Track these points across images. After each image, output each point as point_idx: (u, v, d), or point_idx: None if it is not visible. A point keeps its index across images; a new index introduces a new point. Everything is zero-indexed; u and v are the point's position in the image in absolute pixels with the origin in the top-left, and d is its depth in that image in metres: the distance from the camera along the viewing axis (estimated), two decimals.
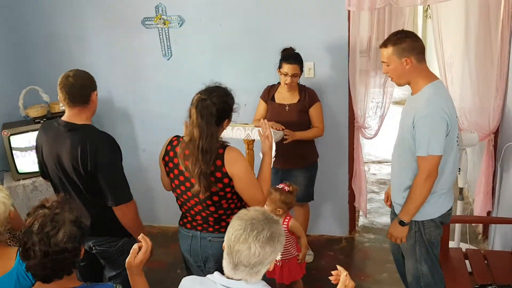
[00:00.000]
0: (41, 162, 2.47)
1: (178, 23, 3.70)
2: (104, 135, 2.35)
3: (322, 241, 3.98)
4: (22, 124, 3.67)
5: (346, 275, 1.69)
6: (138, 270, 1.77)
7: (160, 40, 3.78)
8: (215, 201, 2.18)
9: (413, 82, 2.36)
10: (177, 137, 2.29)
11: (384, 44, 2.36)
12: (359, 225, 4.20)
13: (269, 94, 3.44)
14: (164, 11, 3.70)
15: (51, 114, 3.78)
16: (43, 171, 2.50)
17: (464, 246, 3.34)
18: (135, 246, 1.78)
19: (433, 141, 2.23)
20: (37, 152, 2.49)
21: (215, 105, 2.11)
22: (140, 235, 1.82)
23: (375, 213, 4.40)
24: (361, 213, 4.29)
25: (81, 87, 2.31)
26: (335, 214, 4.02)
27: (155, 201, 4.23)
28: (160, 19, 3.71)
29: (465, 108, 3.48)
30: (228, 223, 2.17)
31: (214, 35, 3.70)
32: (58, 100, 3.62)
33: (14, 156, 3.58)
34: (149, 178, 4.06)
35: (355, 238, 4.00)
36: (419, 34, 8.83)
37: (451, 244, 3.26)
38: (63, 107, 3.63)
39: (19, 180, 3.60)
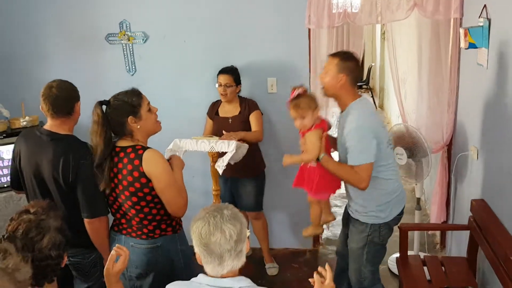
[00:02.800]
0: (17, 170, 2.43)
1: (143, 39, 3.74)
2: (86, 146, 2.34)
3: (287, 254, 4.03)
4: None
5: (325, 278, 1.70)
6: (116, 279, 1.77)
7: (124, 55, 3.80)
8: (134, 202, 2.20)
9: (340, 98, 2.52)
10: None
11: (334, 55, 2.53)
12: (322, 237, 4.27)
13: (213, 109, 3.55)
14: (128, 27, 3.73)
15: (11, 130, 3.70)
16: (17, 181, 2.46)
17: (423, 255, 3.45)
18: (112, 252, 1.78)
19: (363, 151, 2.38)
20: (13, 160, 2.45)
21: (110, 103, 2.23)
22: (117, 245, 1.82)
23: (338, 226, 4.48)
24: (324, 226, 4.36)
25: (65, 99, 2.32)
26: (298, 228, 4.06)
27: None
28: (124, 35, 3.73)
29: (419, 122, 3.65)
30: (150, 230, 2.25)
31: (178, 52, 3.75)
32: (18, 115, 3.62)
33: None
34: None
35: (319, 251, 4.07)
36: (377, 54, 9.19)
37: (411, 254, 3.37)
38: (24, 123, 3.62)
39: None
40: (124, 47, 3.77)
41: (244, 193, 3.57)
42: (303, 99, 2.53)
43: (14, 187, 2.55)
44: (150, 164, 2.15)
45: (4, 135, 3.57)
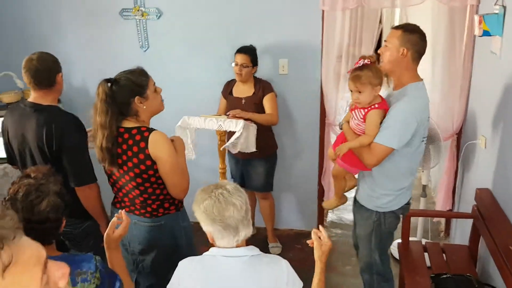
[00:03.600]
0: (7, 145, 2.48)
1: (156, 15, 3.75)
2: (70, 116, 2.38)
3: (291, 234, 4.07)
4: None
5: (321, 236, 1.81)
6: (116, 245, 1.82)
7: (138, 31, 3.82)
8: (139, 183, 2.21)
9: (399, 75, 2.37)
10: None
11: (397, 27, 2.39)
12: (327, 220, 4.31)
13: (227, 88, 3.54)
14: (142, 3, 3.74)
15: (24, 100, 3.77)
16: (10, 156, 2.51)
17: (424, 242, 3.47)
18: (114, 219, 1.82)
19: (395, 135, 2.28)
20: (3, 135, 2.49)
21: (117, 82, 2.16)
22: (120, 211, 1.87)
23: (344, 210, 4.50)
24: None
25: (45, 70, 2.34)
26: (304, 209, 4.12)
27: None
28: (138, 10, 3.75)
29: (431, 109, 3.62)
30: (154, 209, 2.27)
31: (191, 29, 3.76)
32: None
33: None
34: None
35: None
36: None
37: (414, 240, 3.39)
38: None
39: None
40: (138, 22, 3.79)
41: (254, 173, 3.59)
42: (366, 72, 2.26)
43: (9, 162, 2.59)
44: (156, 147, 2.14)
45: None
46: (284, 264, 1.71)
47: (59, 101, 2.89)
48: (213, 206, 1.62)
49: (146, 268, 2.38)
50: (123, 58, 3.90)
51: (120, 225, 1.84)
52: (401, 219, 2.61)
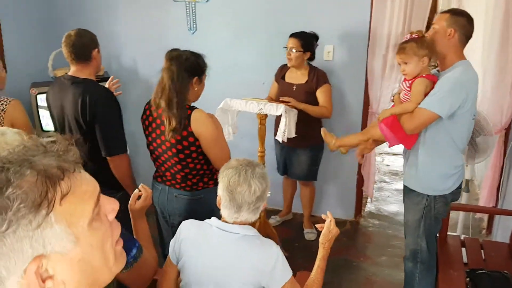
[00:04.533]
0: (52, 116, 2.63)
1: None
2: (103, 89, 2.50)
3: None
4: (49, 84, 3.82)
5: (330, 221, 1.84)
6: (140, 214, 1.89)
7: (187, 14, 3.89)
8: (181, 158, 2.30)
9: (446, 56, 2.35)
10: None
11: (445, 11, 2.39)
12: (365, 210, 4.28)
13: (280, 72, 3.53)
14: None
15: None
16: (55, 126, 2.66)
17: (463, 237, 3.39)
18: (136, 191, 1.90)
19: (441, 100, 2.25)
20: (47, 107, 2.65)
21: (188, 59, 2.26)
22: (141, 184, 1.94)
23: (383, 201, 4.47)
24: (369, 199, 4.37)
25: (82, 46, 2.45)
26: (343, 198, 4.10)
27: None
28: None
29: (481, 103, 3.50)
30: (194, 183, 2.37)
31: (238, 13, 3.79)
32: None
33: (40, 114, 3.77)
34: None
35: (360, 222, 4.08)
36: None
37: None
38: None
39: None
40: (187, 5, 3.87)
41: (297, 162, 3.59)
42: (411, 44, 2.30)
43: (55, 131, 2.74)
44: (198, 124, 2.24)
45: None
46: (275, 250, 1.68)
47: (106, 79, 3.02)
48: (232, 176, 1.68)
49: None
50: (171, 40, 4.00)
51: (141, 197, 1.90)
52: (449, 205, 2.54)
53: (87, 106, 2.38)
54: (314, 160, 3.62)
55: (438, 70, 2.47)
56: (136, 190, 1.90)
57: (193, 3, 3.85)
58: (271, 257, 1.66)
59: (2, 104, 2.50)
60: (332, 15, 3.58)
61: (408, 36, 2.36)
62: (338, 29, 3.60)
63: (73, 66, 2.49)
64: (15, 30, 3.85)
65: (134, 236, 1.87)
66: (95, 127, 2.42)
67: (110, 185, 2.50)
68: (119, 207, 0.86)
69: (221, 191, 1.72)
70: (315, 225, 1.88)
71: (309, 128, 3.35)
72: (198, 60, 2.30)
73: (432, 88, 2.32)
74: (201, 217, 2.40)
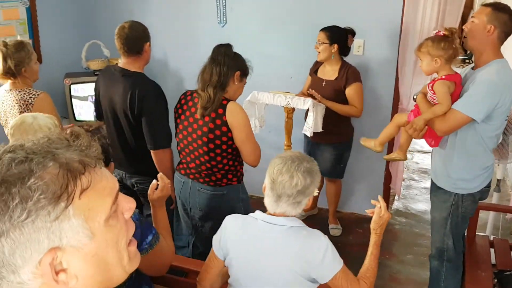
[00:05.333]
0: (98, 102, 2.70)
1: None
2: (153, 83, 2.54)
3: (353, 218, 4.05)
4: (82, 75, 3.95)
5: (380, 207, 1.80)
6: (159, 204, 1.91)
7: (217, 6, 3.91)
8: (210, 148, 2.31)
9: (482, 52, 2.30)
10: (191, 91, 2.47)
11: (487, 4, 2.32)
12: (392, 208, 4.22)
13: (314, 67, 3.50)
14: None
15: None
16: (99, 113, 2.73)
17: (492, 237, 3.31)
18: (154, 181, 1.91)
19: (477, 104, 2.20)
20: (95, 93, 2.73)
21: (236, 54, 2.36)
22: (159, 174, 1.94)
23: (411, 199, 4.41)
24: (396, 197, 4.31)
25: (135, 39, 2.50)
26: (370, 195, 4.01)
27: None
28: None
29: None
30: (218, 179, 2.38)
31: (269, 6, 3.79)
32: (118, 56, 3.92)
33: (73, 104, 3.87)
34: None
35: None
36: None
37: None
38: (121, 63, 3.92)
39: None
40: None
41: (321, 157, 3.53)
42: (428, 42, 2.29)
43: (97, 117, 2.82)
44: (234, 115, 2.27)
45: None
46: (324, 240, 1.63)
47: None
48: (277, 165, 1.67)
49: (204, 233, 2.51)
50: (202, 33, 4.04)
51: (158, 187, 1.91)
52: (477, 204, 2.50)
53: (136, 100, 2.44)
54: (339, 158, 3.55)
55: (472, 68, 2.41)
56: (154, 181, 1.93)
57: None
58: (320, 248, 1.61)
59: (31, 97, 2.58)
60: (363, 9, 3.53)
61: (434, 33, 2.31)
62: (370, 23, 3.55)
63: (124, 58, 2.55)
64: (50, 21, 3.96)
65: (153, 225, 1.90)
66: (142, 120, 2.47)
67: (150, 174, 2.51)
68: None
69: (266, 179, 1.71)
70: (366, 210, 1.85)
71: (335, 125, 3.31)
72: (244, 61, 2.39)
73: (455, 88, 2.27)
74: (222, 214, 2.41)
